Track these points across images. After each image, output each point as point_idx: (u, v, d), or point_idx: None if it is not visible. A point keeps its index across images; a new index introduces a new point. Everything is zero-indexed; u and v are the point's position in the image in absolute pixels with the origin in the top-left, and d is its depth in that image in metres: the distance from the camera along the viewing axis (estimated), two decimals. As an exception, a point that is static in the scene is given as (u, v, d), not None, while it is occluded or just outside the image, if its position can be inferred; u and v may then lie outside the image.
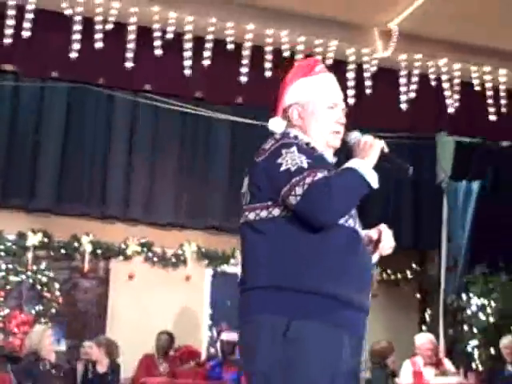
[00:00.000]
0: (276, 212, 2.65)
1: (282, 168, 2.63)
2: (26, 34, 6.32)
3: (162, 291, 9.52)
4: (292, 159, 2.64)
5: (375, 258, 2.87)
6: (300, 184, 2.56)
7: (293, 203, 2.58)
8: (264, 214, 2.67)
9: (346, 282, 2.62)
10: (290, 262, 2.61)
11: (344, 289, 2.61)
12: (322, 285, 2.58)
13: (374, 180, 2.66)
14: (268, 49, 6.81)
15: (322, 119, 2.84)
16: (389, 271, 10.48)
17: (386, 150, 2.78)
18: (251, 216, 2.71)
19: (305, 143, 2.78)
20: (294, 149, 2.68)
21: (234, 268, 9.99)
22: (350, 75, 7.00)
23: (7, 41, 6.29)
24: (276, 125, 2.91)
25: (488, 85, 7.22)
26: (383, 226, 2.88)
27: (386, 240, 2.83)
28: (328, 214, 2.59)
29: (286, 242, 2.63)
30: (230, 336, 8.39)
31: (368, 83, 7.04)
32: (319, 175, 2.59)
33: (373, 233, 2.86)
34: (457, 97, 7.22)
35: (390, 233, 2.86)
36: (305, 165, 2.62)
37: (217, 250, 9.95)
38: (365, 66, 7.03)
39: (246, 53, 6.81)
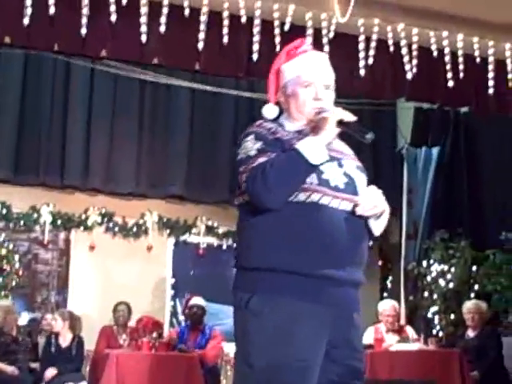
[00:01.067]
0: (246, 197, 2.79)
1: (238, 158, 2.80)
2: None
3: (124, 262, 9.52)
4: (245, 148, 2.78)
5: (376, 224, 2.87)
6: (246, 171, 2.72)
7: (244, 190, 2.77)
8: (240, 199, 2.85)
9: (304, 256, 2.68)
10: (253, 243, 2.76)
11: (301, 263, 2.68)
12: (279, 262, 2.68)
13: (314, 157, 2.69)
14: (225, 14, 6.74)
15: (300, 99, 2.89)
16: (350, 239, 10.53)
17: (349, 119, 2.79)
18: (236, 201, 2.90)
19: (266, 128, 2.84)
20: (251, 137, 2.80)
21: (196, 237, 10.00)
22: (308, 40, 6.94)
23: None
24: (268, 111, 2.95)
25: (446, 50, 7.20)
26: (369, 188, 2.86)
27: (363, 202, 2.77)
28: (266, 197, 2.69)
29: (251, 224, 2.79)
30: (199, 301, 8.41)
31: (326, 49, 6.99)
32: (259, 160, 2.70)
33: (358, 198, 2.88)
34: (415, 62, 7.19)
35: (373, 193, 2.82)
36: (252, 153, 2.74)
37: (179, 219, 9.94)
38: (323, 32, 6.98)
39: (202, 18, 6.73)
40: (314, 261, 2.68)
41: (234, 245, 9.97)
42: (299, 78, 2.90)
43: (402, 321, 9.06)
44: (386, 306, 8.31)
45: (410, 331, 8.22)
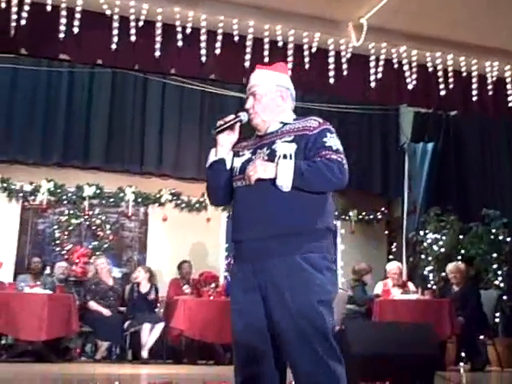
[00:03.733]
0: None
1: None
2: (75, 30, 6.26)
3: (189, 230, 9.59)
4: None
5: (277, 183, 2.51)
6: None
7: None
8: None
9: (235, 227, 2.63)
10: None
11: (235, 233, 2.62)
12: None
13: (208, 161, 2.72)
14: (266, 40, 6.73)
15: None
16: (364, 213, 10.49)
17: (230, 118, 2.68)
18: None
19: None
20: None
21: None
22: (331, 60, 6.91)
23: (61, 35, 6.24)
24: None
25: (439, 67, 7.10)
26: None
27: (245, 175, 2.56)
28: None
29: None
30: None
31: (345, 66, 6.94)
32: None
33: None
34: (414, 76, 7.11)
35: (254, 165, 2.54)
36: None
37: (231, 198, 9.96)
38: (342, 53, 6.92)
39: (248, 43, 6.73)
40: (236, 229, 2.61)
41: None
42: None
43: (404, 277, 9.03)
44: (393, 266, 8.29)
45: (411, 286, 8.19)
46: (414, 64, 7.08)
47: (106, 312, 7.89)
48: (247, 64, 6.79)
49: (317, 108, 9.64)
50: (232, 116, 2.69)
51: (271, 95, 2.74)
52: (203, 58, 6.66)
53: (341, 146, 2.60)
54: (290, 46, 6.78)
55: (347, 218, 10.45)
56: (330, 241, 2.59)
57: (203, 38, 6.61)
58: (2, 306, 6.82)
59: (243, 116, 2.70)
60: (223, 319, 7.48)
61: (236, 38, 6.69)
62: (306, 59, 6.87)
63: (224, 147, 2.69)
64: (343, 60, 6.93)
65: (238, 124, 2.70)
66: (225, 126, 2.67)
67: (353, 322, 7.41)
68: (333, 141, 2.60)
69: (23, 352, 7.44)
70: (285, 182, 2.48)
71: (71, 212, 9.31)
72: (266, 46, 6.75)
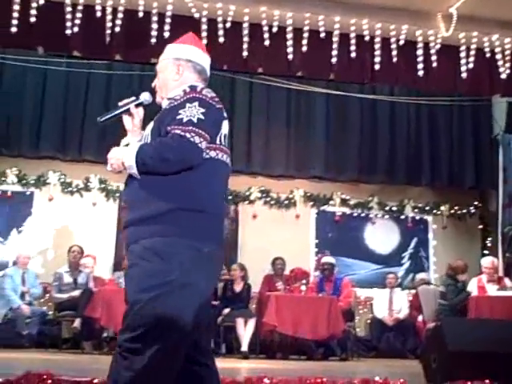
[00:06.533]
0: None
1: None
2: (166, 34, 6.40)
3: (278, 227, 9.62)
4: None
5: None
6: None
7: None
8: None
9: None
10: None
11: None
12: None
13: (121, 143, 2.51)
14: (352, 35, 6.67)
15: None
16: (456, 208, 10.21)
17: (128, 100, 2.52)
18: None
19: None
20: None
21: (333, 208, 9.99)
22: (419, 52, 6.77)
23: (153, 40, 6.40)
24: None
25: (535, 54, 6.83)
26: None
27: None
28: None
29: None
30: (329, 259, 8.59)
31: (434, 58, 6.79)
32: None
33: None
34: (508, 65, 6.86)
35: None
36: None
37: (319, 194, 9.95)
38: (431, 45, 6.77)
39: (335, 39, 6.69)
40: None
41: (363, 213, 9.96)
42: None
43: (501, 273, 8.71)
44: (487, 261, 8.08)
45: (507, 282, 7.92)
46: (507, 52, 6.83)
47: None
48: (334, 60, 6.76)
49: (405, 101, 9.47)
50: (131, 99, 2.52)
51: (167, 70, 2.54)
52: (290, 56, 6.68)
53: (202, 115, 2.26)
54: (377, 39, 6.70)
55: (439, 212, 10.21)
56: (195, 223, 2.24)
57: (289, 36, 6.64)
58: (104, 301, 7.11)
59: (143, 98, 2.53)
60: (314, 315, 7.51)
61: (322, 34, 6.67)
62: (394, 52, 6.76)
63: (131, 132, 2.51)
64: (432, 51, 6.79)
65: (133, 105, 2.49)
66: (111, 114, 2.48)
67: (448, 319, 7.22)
68: (189, 112, 2.27)
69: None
70: (132, 171, 2.27)
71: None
72: (353, 41, 6.70)
